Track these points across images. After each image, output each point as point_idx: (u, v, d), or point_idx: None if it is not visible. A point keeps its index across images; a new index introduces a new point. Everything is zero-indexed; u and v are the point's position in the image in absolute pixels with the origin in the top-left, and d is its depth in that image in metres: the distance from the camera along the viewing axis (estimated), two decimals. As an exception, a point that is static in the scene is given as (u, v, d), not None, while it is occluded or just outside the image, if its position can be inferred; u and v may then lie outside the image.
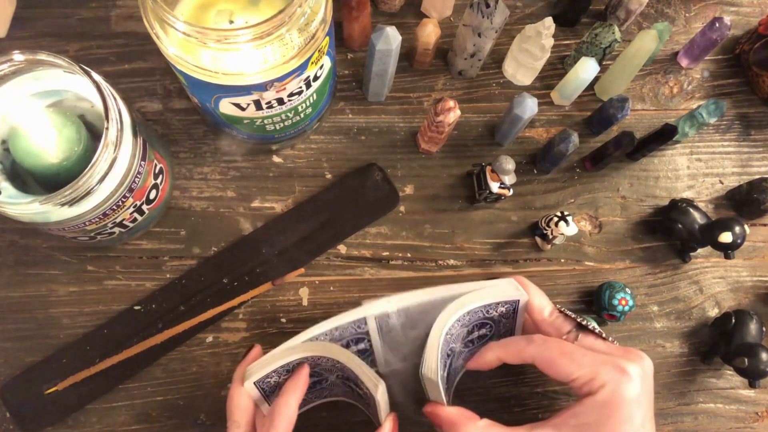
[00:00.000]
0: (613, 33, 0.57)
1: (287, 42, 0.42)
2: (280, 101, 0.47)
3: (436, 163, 0.60)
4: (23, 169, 0.46)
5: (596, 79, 0.61)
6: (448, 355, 0.45)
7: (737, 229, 0.54)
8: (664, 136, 0.57)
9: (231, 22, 0.46)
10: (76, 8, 0.60)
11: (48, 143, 0.44)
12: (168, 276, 0.55)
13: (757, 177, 0.60)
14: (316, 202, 0.57)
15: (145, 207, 0.50)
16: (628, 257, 0.60)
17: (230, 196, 0.57)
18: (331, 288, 0.56)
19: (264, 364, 0.42)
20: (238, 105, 0.46)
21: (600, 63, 0.58)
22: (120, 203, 0.46)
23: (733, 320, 0.55)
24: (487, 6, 0.52)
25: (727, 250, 0.54)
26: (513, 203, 0.60)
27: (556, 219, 0.54)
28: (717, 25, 0.59)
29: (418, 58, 0.60)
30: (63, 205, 0.41)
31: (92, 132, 0.48)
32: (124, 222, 0.49)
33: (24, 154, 0.44)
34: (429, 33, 0.56)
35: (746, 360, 0.52)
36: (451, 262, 0.58)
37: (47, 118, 0.44)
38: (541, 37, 0.55)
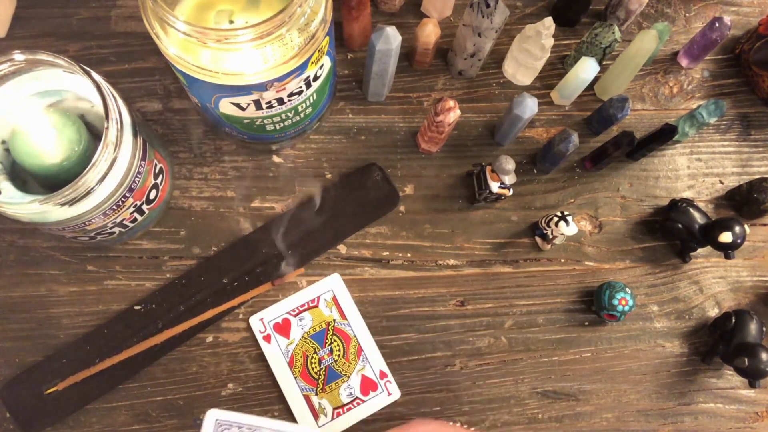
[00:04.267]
0: (613, 33, 0.57)
1: (287, 42, 0.42)
2: (280, 101, 0.47)
3: (436, 163, 0.60)
4: (23, 169, 0.46)
5: (596, 79, 0.61)
6: None
7: (737, 229, 0.54)
8: (664, 136, 0.57)
9: (231, 22, 0.46)
10: (76, 8, 0.60)
11: (48, 143, 0.44)
12: (168, 276, 0.55)
13: (757, 177, 0.60)
14: (316, 202, 0.57)
15: (145, 207, 0.50)
16: (628, 257, 0.60)
17: (230, 196, 0.57)
18: (331, 288, 0.56)
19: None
20: (238, 105, 0.46)
21: (600, 63, 0.58)
22: (120, 203, 0.46)
23: (733, 320, 0.55)
24: (487, 6, 0.52)
25: (727, 250, 0.55)
26: (513, 203, 0.60)
27: (556, 219, 0.54)
28: (717, 25, 0.59)
29: (418, 58, 0.60)
30: (63, 205, 0.41)
31: (92, 132, 0.48)
32: (124, 222, 0.49)
33: (24, 154, 0.44)
34: (429, 33, 0.56)
35: (746, 360, 0.52)
36: (451, 262, 0.58)
37: (47, 118, 0.44)
38: (541, 37, 0.55)
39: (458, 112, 0.52)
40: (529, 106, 0.53)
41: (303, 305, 0.55)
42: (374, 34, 0.51)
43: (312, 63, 0.45)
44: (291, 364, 0.53)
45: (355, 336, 0.54)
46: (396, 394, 0.54)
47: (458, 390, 0.55)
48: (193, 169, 0.57)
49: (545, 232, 0.56)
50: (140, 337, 0.53)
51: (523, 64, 0.60)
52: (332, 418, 0.52)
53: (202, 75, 0.42)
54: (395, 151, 0.60)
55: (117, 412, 0.52)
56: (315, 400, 0.53)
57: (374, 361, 0.54)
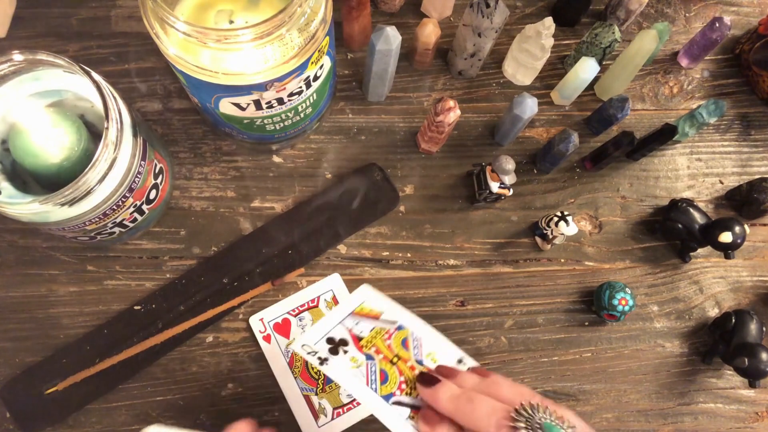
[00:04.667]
0: (613, 33, 0.57)
1: (287, 42, 0.42)
2: (280, 101, 0.47)
3: (436, 163, 0.60)
4: (23, 168, 0.46)
5: (596, 79, 0.61)
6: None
7: (737, 229, 0.54)
8: (664, 136, 0.57)
9: (231, 22, 0.46)
10: (76, 8, 0.60)
11: (48, 143, 0.44)
12: (168, 276, 0.55)
13: (757, 177, 0.60)
14: (316, 202, 0.57)
15: (145, 207, 0.50)
16: (628, 257, 0.60)
17: (230, 196, 0.57)
18: (331, 288, 0.56)
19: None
20: (238, 105, 0.46)
21: (600, 63, 0.58)
22: (120, 203, 0.46)
23: (733, 320, 0.55)
24: (487, 6, 0.52)
25: (727, 250, 0.55)
26: (513, 203, 0.60)
27: (556, 219, 0.54)
28: (717, 25, 0.59)
29: (418, 58, 0.60)
30: (63, 205, 0.41)
31: (92, 132, 0.48)
32: (124, 222, 0.49)
33: (24, 154, 0.44)
34: (429, 33, 0.56)
35: (746, 360, 0.52)
36: (451, 262, 0.58)
37: (47, 118, 0.44)
38: (541, 37, 0.55)
39: (458, 112, 0.52)
40: (529, 106, 0.53)
41: (303, 305, 0.55)
42: (374, 34, 0.51)
43: (312, 63, 0.45)
44: (291, 364, 0.53)
45: None
46: None
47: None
48: (193, 169, 0.57)
49: (545, 232, 0.56)
50: (140, 337, 0.53)
51: (523, 64, 0.60)
52: (332, 418, 0.52)
53: (202, 75, 0.42)
54: (395, 151, 0.60)
55: (117, 412, 0.52)
56: (315, 400, 0.53)
57: None
